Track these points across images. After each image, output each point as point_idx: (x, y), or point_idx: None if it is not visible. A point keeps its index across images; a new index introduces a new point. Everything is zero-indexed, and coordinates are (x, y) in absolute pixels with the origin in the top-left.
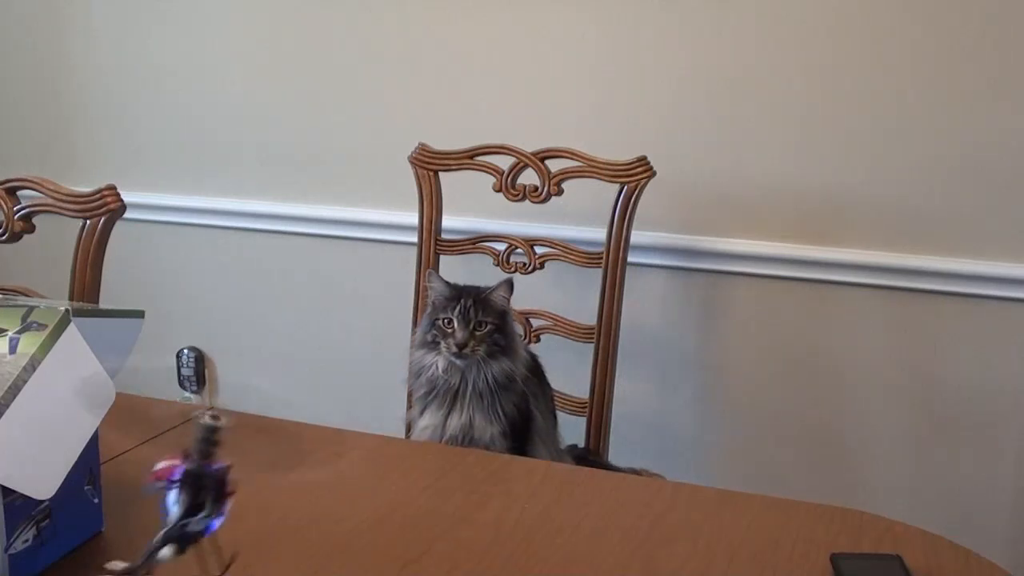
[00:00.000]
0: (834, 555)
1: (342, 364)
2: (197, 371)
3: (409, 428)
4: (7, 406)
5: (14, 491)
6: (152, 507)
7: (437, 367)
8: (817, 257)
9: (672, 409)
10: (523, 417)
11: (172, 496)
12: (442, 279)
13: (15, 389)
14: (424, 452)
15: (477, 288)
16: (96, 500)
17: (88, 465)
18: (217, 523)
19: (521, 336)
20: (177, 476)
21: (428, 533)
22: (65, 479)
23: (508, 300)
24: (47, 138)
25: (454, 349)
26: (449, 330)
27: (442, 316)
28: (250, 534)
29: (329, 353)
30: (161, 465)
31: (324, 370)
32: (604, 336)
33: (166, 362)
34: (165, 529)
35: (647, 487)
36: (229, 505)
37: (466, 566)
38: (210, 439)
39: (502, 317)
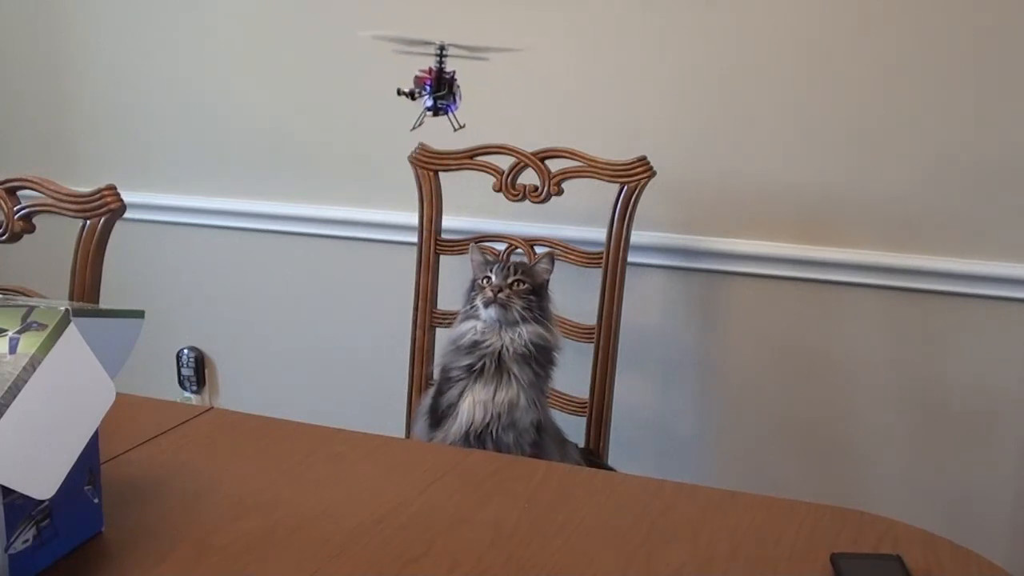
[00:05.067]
0: (834, 555)
1: (342, 364)
2: (197, 371)
3: (438, 415)
4: (7, 406)
5: (14, 491)
6: (152, 508)
7: (476, 330)
8: (817, 257)
9: (672, 409)
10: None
11: (428, 88)
12: (484, 252)
13: (15, 389)
14: (424, 452)
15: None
16: (96, 500)
17: (88, 465)
18: (452, 106)
19: (556, 316)
20: (430, 78)
21: (428, 533)
22: (65, 479)
23: (549, 273)
24: (48, 138)
25: (489, 295)
26: (487, 284)
27: (481, 276)
28: (250, 534)
29: (329, 353)
30: (420, 72)
31: (324, 370)
32: (604, 336)
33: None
34: (426, 102)
35: (647, 487)
36: (459, 95)
37: (466, 566)
38: (441, 58)
39: (541, 286)
